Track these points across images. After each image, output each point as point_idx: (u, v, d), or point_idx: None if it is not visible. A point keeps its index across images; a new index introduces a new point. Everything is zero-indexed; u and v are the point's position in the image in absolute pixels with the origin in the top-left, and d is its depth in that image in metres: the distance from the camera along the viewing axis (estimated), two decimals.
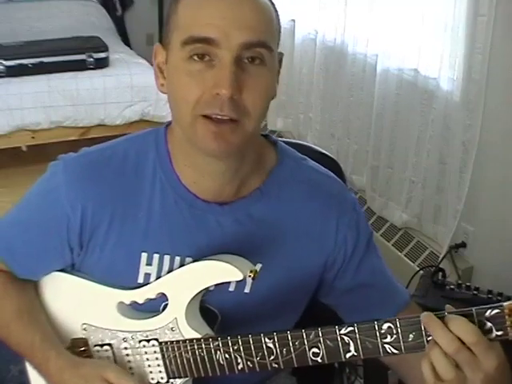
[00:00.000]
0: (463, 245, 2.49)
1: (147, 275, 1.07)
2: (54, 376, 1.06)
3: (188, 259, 1.06)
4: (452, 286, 2.10)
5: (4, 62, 3.36)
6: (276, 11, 1.01)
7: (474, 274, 2.48)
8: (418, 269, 2.49)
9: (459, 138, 2.38)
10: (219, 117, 0.94)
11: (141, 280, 1.07)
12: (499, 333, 0.83)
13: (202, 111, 0.94)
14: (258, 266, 1.06)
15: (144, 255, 1.06)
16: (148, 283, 1.07)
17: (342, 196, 1.14)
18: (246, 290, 1.08)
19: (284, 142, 1.22)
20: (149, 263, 1.06)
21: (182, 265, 1.06)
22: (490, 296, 2.03)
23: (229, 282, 1.05)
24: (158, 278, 1.07)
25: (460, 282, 2.15)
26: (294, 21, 3.40)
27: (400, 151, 2.73)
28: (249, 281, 1.07)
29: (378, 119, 2.79)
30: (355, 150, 3.03)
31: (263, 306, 1.09)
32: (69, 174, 1.06)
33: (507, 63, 2.22)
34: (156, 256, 1.06)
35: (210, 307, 1.08)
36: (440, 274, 2.20)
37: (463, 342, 0.83)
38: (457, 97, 2.38)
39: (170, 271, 1.06)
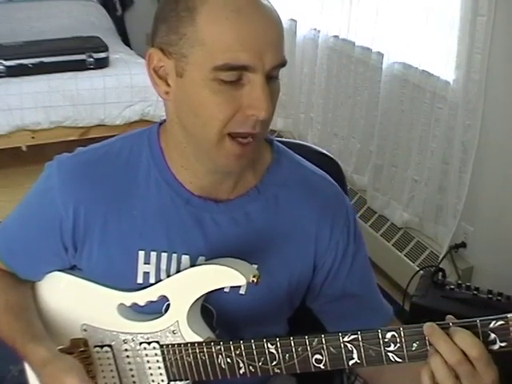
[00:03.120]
0: (463, 245, 2.49)
1: (146, 274, 1.07)
2: (33, 369, 1.07)
3: (185, 257, 1.06)
4: (452, 286, 2.11)
5: (4, 62, 3.36)
6: None
7: (473, 274, 2.49)
8: (417, 269, 2.50)
9: (459, 138, 2.38)
10: (246, 137, 0.95)
11: (140, 280, 1.07)
12: (503, 344, 0.84)
13: (231, 130, 0.94)
14: (254, 267, 1.06)
15: (141, 253, 1.06)
16: (149, 285, 1.06)
17: (338, 200, 1.14)
18: (242, 292, 1.08)
19: (284, 142, 1.22)
20: (146, 262, 1.06)
21: (179, 263, 1.06)
22: (490, 296, 2.03)
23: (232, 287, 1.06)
24: (157, 276, 1.07)
25: (460, 282, 2.16)
26: (295, 20, 3.41)
27: (403, 150, 2.74)
28: None
29: (383, 118, 2.80)
30: (358, 149, 3.03)
31: (258, 306, 1.10)
32: (62, 174, 1.07)
33: (507, 63, 2.23)
34: (153, 254, 1.06)
35: (206, 304, 1.08)
36: (440, 273, 2.21)
37: (465, 354, 0.83)
38: (457, 97, 2.38)
39: (167, 269, 1.06)
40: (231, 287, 1.07)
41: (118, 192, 1.06)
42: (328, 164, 1.43)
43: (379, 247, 2.83)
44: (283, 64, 0.96)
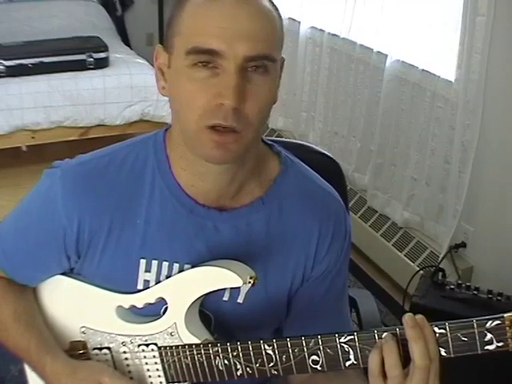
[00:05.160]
0: (463, 245, 2.49)
1: (146, 282, 1.06)
2: (51, 380, 1.06)
3: (187, 266, 1.06)
4: (452, 286, 2.10)
5: (4, 62, 3.35)
6: (280, 16, 1.00)
7: (473, 274, 2.48)
8: (417, 269, 2.50)
9: (459, 138, 2.38)
10: (222, 127, 0.93)
11: (140, 287, 1.07)
12: (500, 344, 0.83)
13: (206, 122, 0.93)
14: (250, 268, 1.04)
15: (143, 262, 1.06)
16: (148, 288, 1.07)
17: (340, 219, 1.13)
18: (239, 300, 1.08)
19: (283, 142, 1.22)
20: (147, 270, 1.06)
21: (180, 271, 1.06)
22: (490, 296, 2.03)
23: (225, 289, 1.06)
24: (158, 283, 1.06)
25: (460, 281, 2.15)
26: (297, 19, 3.40)
27: (404, 149, 2.74)
28: (243, 291, 1.08)
29: (384, 117, 2.80)
30: (359, 148, 3.04)
31: (256, 315, 1.09)
32: (66, 185, 1.05)
33: (506, 63, 2.22)
34: (155, 262, 1.06)
35: (204, 310, 1.07)
36: (440, 273, 2.20)
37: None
38: (457, 97, 2.38)
39: (168, 278, 1.06)
40: (230, 296, 1.08)
41: (122, 201, 1.05)
42: (328, 164, 1.43)
43: (379, 247, 2.83)
44: (264, 57, 0.94)
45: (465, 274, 2.46)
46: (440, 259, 2.49)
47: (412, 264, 2.63)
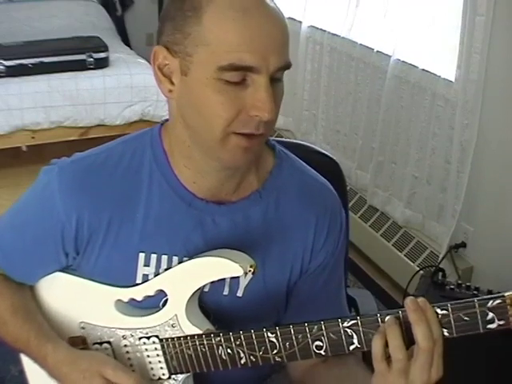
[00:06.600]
0: (463, 245, 2.49)
1: (145, 276, 1.06)
2: (52, 370, 1.06)
3: (185, 259, 1.06)
4: (452, 286, 2.10)
5: (4, 62, 3.35)
6: None
7: (473, 274, 2.48)
8: (417, 269, 2.50)
9: (457, 138, 2.39)
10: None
11: (139, 281, 1.07)
12: (501, 322, 0.84)
13: (236, 130, 0.94)
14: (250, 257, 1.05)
15: (142, 256, 1.06)
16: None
17: (336, 211, 1.14)
18: (239, 294, 1.09)
19: (283, 142, 1.22)
20: (146, 264, 1.06)
21: (179, 263, 1.06)
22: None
23: (225, 279, 1.06)
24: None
25: (460, 281, 2.15)
26: (298, 19, 3.41)
27: (405, 148, 2.74)
28: (242, 284, 1.08)
29: (385, 115, 2.80)
30: (360, 146, 3.04)
31: (255, 309, 1.10)
32: (63, 182, 1.05)
33: (505, 63, 2.23)
34: (154, 256, 1.06)
35: (204, 307, 1.07)
36: (440, 273, 2.20)
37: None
38: (456, 97, 2.38)
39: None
40: (229, 290, 1.08)
41: (120, 197, 1.05)
42: (328, 164, 1.43)
43: (379, 247, 2.84)
44: (288, 66, 0.97)
45: (465, 274, 2.47)
46: (440, 259, 2.50)
47: (412, 264, 2.64)
